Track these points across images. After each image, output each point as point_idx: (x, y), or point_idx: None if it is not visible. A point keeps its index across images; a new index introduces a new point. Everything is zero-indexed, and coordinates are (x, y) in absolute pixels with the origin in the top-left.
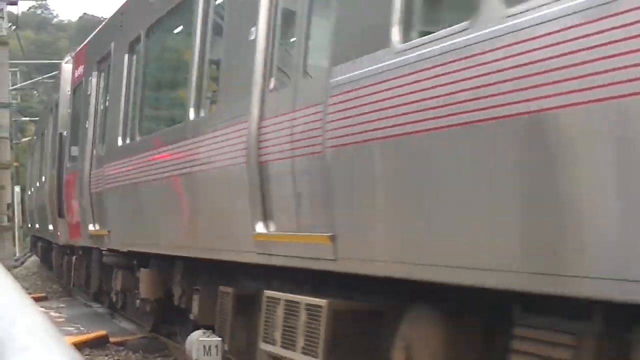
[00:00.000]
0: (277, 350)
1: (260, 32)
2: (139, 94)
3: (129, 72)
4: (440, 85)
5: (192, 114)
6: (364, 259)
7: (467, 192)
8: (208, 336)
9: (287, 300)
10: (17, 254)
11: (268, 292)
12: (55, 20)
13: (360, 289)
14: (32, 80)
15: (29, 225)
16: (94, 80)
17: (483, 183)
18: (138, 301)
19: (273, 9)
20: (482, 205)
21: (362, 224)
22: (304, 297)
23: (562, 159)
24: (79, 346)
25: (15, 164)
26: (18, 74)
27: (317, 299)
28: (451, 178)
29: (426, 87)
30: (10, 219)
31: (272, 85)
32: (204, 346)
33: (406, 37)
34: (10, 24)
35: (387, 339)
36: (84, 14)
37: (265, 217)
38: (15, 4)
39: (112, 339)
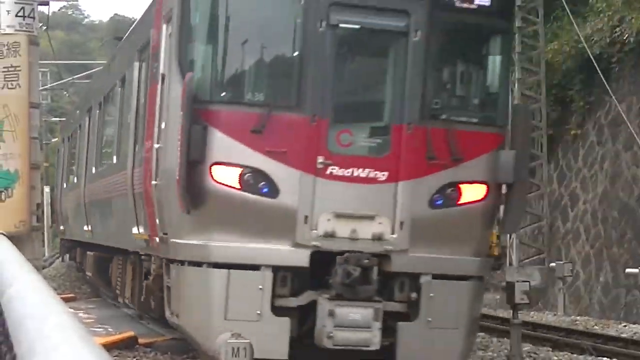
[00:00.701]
0: (88, 272)
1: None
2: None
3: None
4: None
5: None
6: (98, 237)
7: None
8: (237, 338)
9: (87, 252)
10: (46, 255)
11: (89, 253)
12: (86, 20)
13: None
14: (63, 81)
15: None
16: (61, 150)
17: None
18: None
19: None
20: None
21: (95, 226)
22: (90, 253)
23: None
24: (108, 347)
25: (45, 164)
26: (48, 74)
27: (90, 252)
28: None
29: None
30: (40, 219)
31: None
32: (233, 348)
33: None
34: (41, 24)
35: (110, 265)
36: (115, 14)
37: (87, 223)
38: (46, 4)
39: (140, 341)
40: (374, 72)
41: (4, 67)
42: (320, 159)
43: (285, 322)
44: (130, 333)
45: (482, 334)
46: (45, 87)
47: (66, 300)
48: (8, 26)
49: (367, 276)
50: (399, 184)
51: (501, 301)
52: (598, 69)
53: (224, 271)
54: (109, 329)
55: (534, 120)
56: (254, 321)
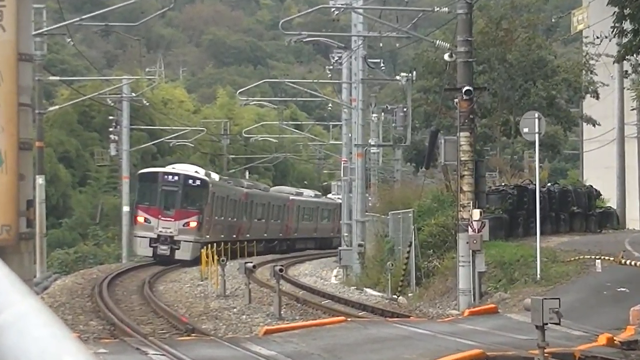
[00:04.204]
0: None
1: None
2: None
3: None
4: None
5: None
6: None
7: None
8: None
9: None
10: (38, 275)
11: None
12: None
13: None
14: (65, 23)
15: None
16: None
17: None
18: None
19: None
20: None
21: None
22: None
23: None
24: None
25: (38, 143)
26: (44, 12)
27: None
28: None
29: None
30: (31, 224)
31: None
32: None
33: None
34: None
35: None
36: None
37: None
38: None
39: None
40: (171, 197)
41: None
42: (159, 215)
43: (150, 249)
44: None
45: None
46: (40, 30)
47: None
48: None
49: (167, 239)
50: (176, 221)
51: None
52: None
53: (139, 238)
54: None
55: None
56: (146, 248)
